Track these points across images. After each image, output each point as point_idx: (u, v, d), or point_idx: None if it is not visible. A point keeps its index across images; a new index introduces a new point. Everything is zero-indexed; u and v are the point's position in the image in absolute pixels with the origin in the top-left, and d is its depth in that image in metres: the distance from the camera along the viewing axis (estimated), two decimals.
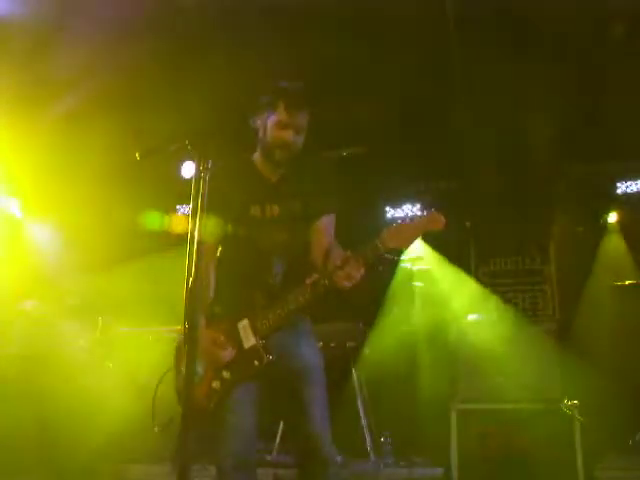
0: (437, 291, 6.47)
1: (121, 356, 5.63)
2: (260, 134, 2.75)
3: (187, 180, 6.95)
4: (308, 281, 2.50)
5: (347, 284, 2.42)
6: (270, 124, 2.68)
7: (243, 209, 2.73)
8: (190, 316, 2.15)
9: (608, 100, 5.67)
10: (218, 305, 2.72)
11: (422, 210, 7.16)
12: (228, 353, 2.61)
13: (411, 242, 2.43)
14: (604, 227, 6.66)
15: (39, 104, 5.86)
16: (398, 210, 7.26)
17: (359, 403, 5.25)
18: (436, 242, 6.71)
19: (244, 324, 2.60)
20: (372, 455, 5.13)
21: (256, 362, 2.56)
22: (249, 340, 2.58)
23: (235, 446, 2.56)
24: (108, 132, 5.71)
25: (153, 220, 7.20)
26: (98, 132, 5.72)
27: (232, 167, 2.84)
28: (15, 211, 6.83)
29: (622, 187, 6.60)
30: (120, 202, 7.05)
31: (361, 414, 5.24)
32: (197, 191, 2.23)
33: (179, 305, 2.18)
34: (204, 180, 2.23)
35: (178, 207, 7.60)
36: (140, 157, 2.37)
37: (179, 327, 2.31)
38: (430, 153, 6.45)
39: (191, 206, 2.23)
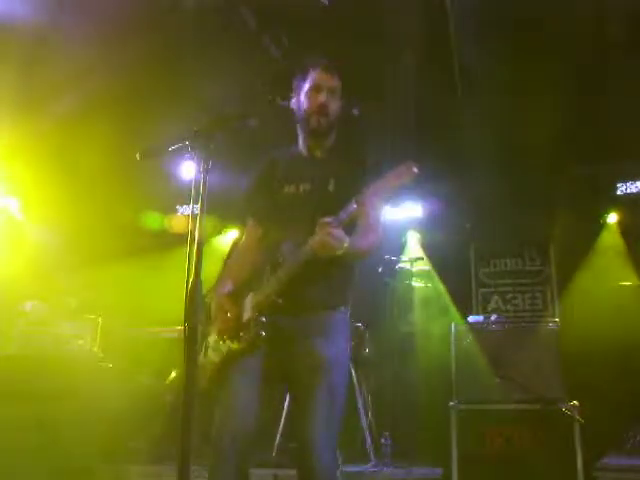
0: (436, 292, 6.47)
1: (121, 356, 5.62)
2: (296, 110, 2.76)
3: (187, 180, 6.96)
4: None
5: (322, 251, 2.35)
6: (304, 93, 2.70)
7: (278, 188, 2.74)
8: (190, 316, 2.14)
9: (608, 100, 5.67)
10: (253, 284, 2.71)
11: (423, 212, 7.16)
12: (229, 322, 2.58)
13: (387, 198, 2.45)
14: (604, 228, 6.65)
15: (39, 105, 5.86)
16: (397, 211, 7.25)
17: (359, 404, 5.25)
18: (436, 243, 6.71)
19: (249, 298, 2.58)
20: (372, 456, 5.13)
21: (242, 334, 2.50)
22: (247, 313, 2.56)
23: (234, 425, 2.46)
24: (108, 132, 5.71)
25: (153, 220, 7.20)
26: (98, 132, 5.72)
27: (275, 154, 2.88)
28: (15, 211, 6.82)
29: (622, 188, 6.61)
30: (120, 202, 7.05)
31: (361, 415, 5.24)
32: (197, 191, 2.22)
33: (179, 305, 2.18)
34: (204, 180, 2.23)
35: (178, 207, 7.61)
36: (140, 157, 2.35)
37: (179, 327, 2.29)
38: (430, 153, 6.45)
39: (192, 206, 2.22)
